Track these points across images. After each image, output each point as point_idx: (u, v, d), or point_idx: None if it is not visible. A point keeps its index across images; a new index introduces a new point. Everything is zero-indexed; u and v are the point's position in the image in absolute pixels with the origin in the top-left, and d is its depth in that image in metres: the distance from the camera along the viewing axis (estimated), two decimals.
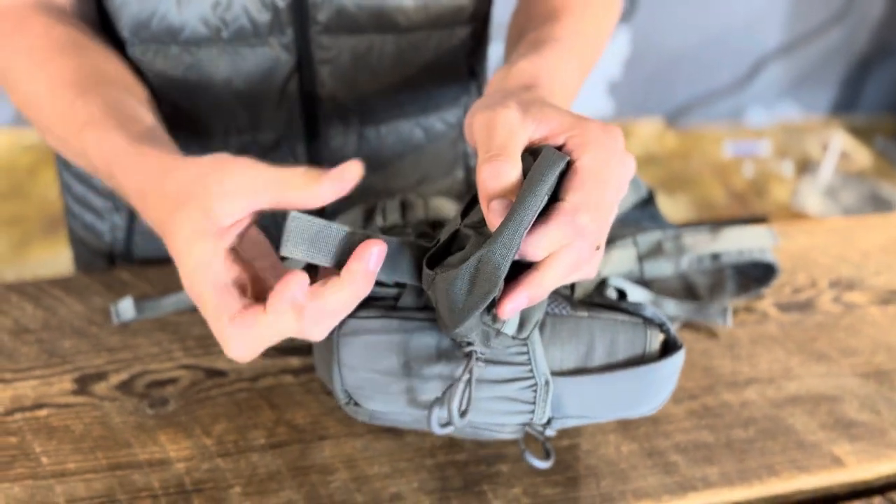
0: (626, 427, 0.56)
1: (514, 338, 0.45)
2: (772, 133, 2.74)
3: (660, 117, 2.69)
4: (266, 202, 0.40)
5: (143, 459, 0.52)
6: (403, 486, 0.51)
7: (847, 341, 0.66)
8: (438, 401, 0.44)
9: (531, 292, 0.41)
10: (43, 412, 0.55)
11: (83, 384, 0.57)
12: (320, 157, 0.70)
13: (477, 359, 0.45)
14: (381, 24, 0.63)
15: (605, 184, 0.41)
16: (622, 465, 0.54)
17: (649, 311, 0.49)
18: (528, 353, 0.46)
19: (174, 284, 0.65)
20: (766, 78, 2.70)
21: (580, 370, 0.48)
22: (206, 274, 0.40)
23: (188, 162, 0.43)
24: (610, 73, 2.54)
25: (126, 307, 0.61)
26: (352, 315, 0.46)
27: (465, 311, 0.40)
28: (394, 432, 0.55)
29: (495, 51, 0.76)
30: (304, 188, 0.40)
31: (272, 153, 0.69)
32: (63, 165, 0.76)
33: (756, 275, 0.68)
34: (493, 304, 0.41)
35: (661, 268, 0.64)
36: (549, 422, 0.49)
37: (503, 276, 0.39)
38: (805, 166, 2.58)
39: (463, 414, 0.44)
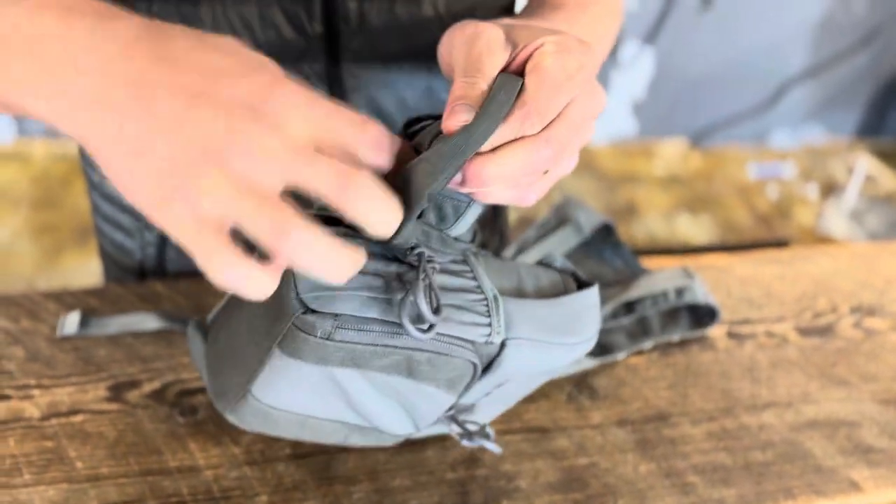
0: (644, 447, 0.57)
1: (455, 239, 0.45)
2: (797, 155, 2.73)
3: (684, 138, 2.69)
4: None
5: (174, 466, 0.54)
6: (425, 499, 0.52)
7: (867, 367, 0.66)
8: (404, 299, 0.42)
9: (474, 170, 0.40)
10: (78, 418, 0.57)
11: (117, 392, 0.59)
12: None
13: (429, 260, 0.44)
14: (411, 52, 0.64)
15: (559, 89, 0.41)
16: (640, 485, 0.55)
17: (559, 263, 0.52)
18: (470, 269, 0.47)
19: (208, 298, 0.67)
20: (791, 100, 2.70)
21: (518, 294, 0.49)
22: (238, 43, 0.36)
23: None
24: (634, 93, 2.55)
25: (72, 321, 0.62)
26: None
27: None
28: (416, 446, 0.56)
29: None
30: None
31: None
32: (92, 186, 0.77)
33: (708, 311, 0.68)
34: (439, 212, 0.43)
35: None
36: (501, 350, 0.47)
37: (441, 178, 0.39)
38: (830, 189, 2.57)
39: (436, 311, 0.42)
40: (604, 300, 0.66)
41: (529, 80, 0.41)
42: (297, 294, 0.42)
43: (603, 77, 2.46)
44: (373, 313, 0.43)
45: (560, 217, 0.68)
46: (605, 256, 0.71)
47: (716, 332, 0.68)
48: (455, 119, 0.40)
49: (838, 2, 2.52)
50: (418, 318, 0.42)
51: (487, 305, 0.46)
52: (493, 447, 0.51)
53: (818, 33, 2.57)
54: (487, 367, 0.47)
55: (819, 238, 2.35)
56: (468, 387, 0.48)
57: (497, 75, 0.42)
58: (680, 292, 0.66)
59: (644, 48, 2.46)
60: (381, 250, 0.45)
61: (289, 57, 0.63)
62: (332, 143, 0.36)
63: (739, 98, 2.66)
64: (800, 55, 2.61)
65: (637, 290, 0.65)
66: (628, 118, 2.60)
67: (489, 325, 0.46)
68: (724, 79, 2.58)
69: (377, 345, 0.43)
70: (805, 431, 0.60)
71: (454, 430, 0.52)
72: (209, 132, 0.33)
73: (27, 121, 2.30)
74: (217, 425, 0.56)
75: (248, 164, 0.33)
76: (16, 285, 1.90)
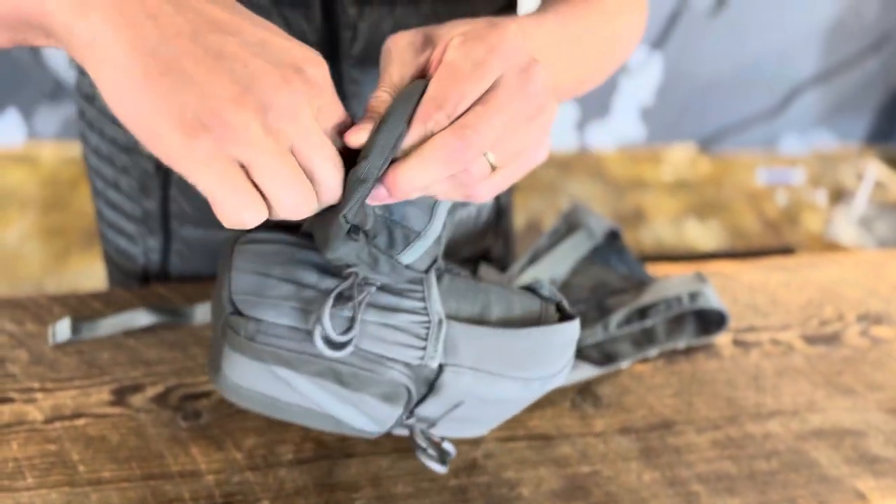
0: (647, 455, 0.57)
1: (407, 267, 0.45)
2: (806, 161, 2.72)
3: (692, 143, 2.68)
4: None
5: (175, 471, 0.54)
6: None
7: (873, 376, 0.66)
8: (317, 316, 0.43)
9: (391, 180, 0.39)
10: (81, 421, 0.57)
11: (120, 395, 0.59)
12: None
13: (366, 283, 0.45)
14: None
15: (463, 79, 0.39)
16: (643, 494, 0.54)
17: (546, 290, 0.51)
18: (422, 290, 0.47)
19: (210, 299, 0.67)
20: (800, 106, 2.69)
21: (477, 321, 0.48)
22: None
23: None
24: (643, 98, 2.55)
25: (63, 328, 0.62)
26: (251, 230, 0.47)
27: (325, 227, 0.41)
28: None
29: None
30: None
31: None
32: (96, 192, 0.78)
33: (715, 318, 0.67)
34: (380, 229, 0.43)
35: (587, 337, 0.64)
36: (438, 375, 0.47)
37: (355, 191, 0.39)
38: (839, 196, 2.56)
39: (347, 330, 0.43)
40: (614, 307, 0.65)
41: (432, 77, 0.41)
42: (230, 294, 0.45)
43: (611, 82, 2.46)
44: (291, 322, 0.45)
45: (570, 223, 0.68)
46: (610, 262, 0.70)
47: (721, 339, 0.68)
48: (353, 135, 0.40)
49: (849, 7, 2.51)
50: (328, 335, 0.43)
51: (428, 328, 0.46)
52: (436, 466, 0.50)
53: (828, 39, 2.56)
54: (431, 389, 0.47)
55: (827, 245, 2.34)
56: (412, 403, 0.48)
57: (407, 84, 0.42)
58: (693, 297, 0.65)
59: (652, 53, 2.46)
60: (326, 265, 0.47)
61: None
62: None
63: (748, 103, 2.65)
64: (809, 61, 2.60)
65: (651, 295, 0.65)
66: (636, 123, 2.60)
67: (424, 348, 0.46)
68: (733, 84, 2.57)
69: (298, 352, 0.45)
70: (810, 440, 0.59)
71: (410, 437, 0.52)
72: (260, 75, 0.35)
73: (37, 123, 2.31)
74: (220, 430, 0.56)
75: (282, 120, 0.36)
76: (24, 287, 1.91)
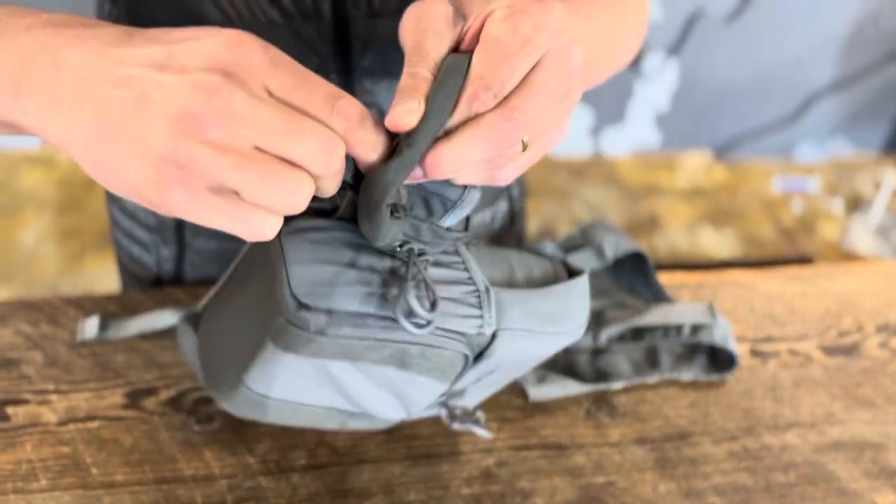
0: (663, 466, 0.56)
1: (448, 229, 0.45)
2: (822, 169, 2.70)
3: (708, 150, 2.67)
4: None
5: (188, 475, 0.53)
6: None
7: (893, 388, 0.65)
8: (396, 297, 0.42)
9: (432, 161, 0.38)
10: (95, 424, 0.57)
11: (134, 398, 0.59)
12: None
13: (421, 255, 0.44)
14: None
15: (511, 57, 0.38)
16: None
17: (550, 250, 0.53)
18: (462, 261, 0.47)
19: None
20: (817, 113, 2.67)
21: (508, 284, 0.50)
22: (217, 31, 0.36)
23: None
24: (658, 104, 2.54)
25: (91, 325, 0.62)
26: (291, 219, 0.44)
27: (371, 217, 0.40)
28: (431, 459, 0.55)
29: None
30: None
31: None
32: (111, 199, 0.78)
33: (726, 356, 0.65)
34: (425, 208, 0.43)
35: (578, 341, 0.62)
36: (491, 341, 0.47)
37: (397, 178, 0.38)
38: (856, 204, 2.54)
39: (432, 306, 0.42)
40: (611, 320, 0.64)
41: (476, 53, 0.39)
42: (291, 290, 0.42)
43: (626, 88, 2.45)
44: (367, 308, 0.43)
45: (585, 238, 0.67)
46: (635, 287, 0.69)
47: (738, 349, 0.67)
48: (396, 117, 0.37)
49: (866, 15, 2.49)
50: (412, 314, 0.42)
51: (479, 297, 0.46)
52: (482, 432, 0.52)
53: (846, 46, 2.54)
54: (478, 356, 0.47)
55: (844, 254, 2.32)
56: (460, 375, 0.48)
57: (444, 58, 0.40)
58: (696, 329, 0.63)
59: (668, 59, 2.45)
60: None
61: None
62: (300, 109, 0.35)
63: (765, 111, 2.63)
64: (827, 68, 2.58)
65: (650, 317, 0.63)
66: (651, 129, 2.59)
67: (481, 316, 0.46)
68: (750, 91, 2.56)
69: (371, 339, 0.43)
70: (829, 453, 0.59)
71: (443, 413, 0.52)
72: (175, 94, 0.33)
73: None
74: (233, 434, 0.56)
75: (220, 129, 0.34)
76: (39, 289, 1.92)
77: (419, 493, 0.53)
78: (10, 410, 0.57)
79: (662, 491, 0.55)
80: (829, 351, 0.68)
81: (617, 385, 0.62)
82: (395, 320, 0.42)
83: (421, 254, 0.44)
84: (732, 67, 2.49)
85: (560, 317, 0.49)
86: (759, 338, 0.69)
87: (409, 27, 0.41)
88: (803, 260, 0.77)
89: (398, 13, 0.59)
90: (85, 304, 0.66)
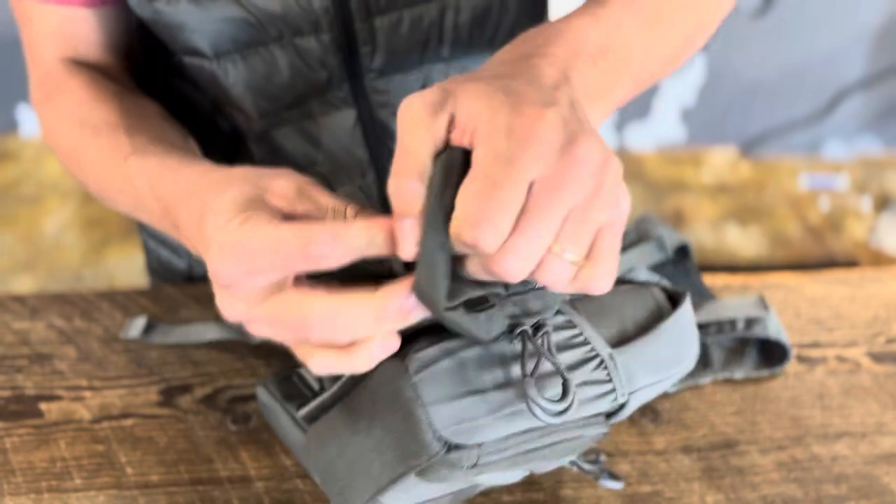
0: (710, 476, 0.55)
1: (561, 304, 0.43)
2: (850, 167, 2.66)
3: (734, 146, 2.63)
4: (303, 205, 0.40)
5: (224, 476, 0.52)
6: None
7: None
8: (529, 382, 0.40)
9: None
10: (129, 422, 0.56)
11: (168, 396, 0.58)
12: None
13: (538, 327, 0.41)
14: (434, 56, 0.63)
15: (496, 184, 0.33)
16: None
17: (642, 275, 0.51)
18: (581, 333, 0.45)
19: None
20: (846, 110, 2.62)
21: (623, 338, 0.47)
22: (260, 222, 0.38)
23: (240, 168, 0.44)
24: (684, 99, 2.50)
25: (137, 326, 0.61)
26: (403, 354, 0.41)
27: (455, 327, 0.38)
28: None
29: None
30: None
31: (350, 201, 0.69)
32: None
33: (777, 350, 0.63)
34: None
35: None
36: (622, 406, 0.45)
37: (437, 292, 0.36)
38: (884, 203, 2.50)
39: (565, 396, 0.40)
40: None
41: (462, 188, 0.34)
42: (436, 432, 0.40)
43: None
44: (513, 429, 0.41)
45: (640, 233, 0.65)
46: (676, 280, 0.67)
47: None
48: (401, 249, 0.36)
49: None
50: (549, 411, 0.40)
51: (606, 369, 0.44)
52: (614, 484, 0.51)
53: (876, 42, 2.50)
54: (609, 418, 0.46)
55: (872, 252, 2.28)
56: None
57: (435, 163, 0.36)
58: (750, 323, 0.61)
59: (696, 54, 2.42)
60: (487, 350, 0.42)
61: (314, 90, 0.62)
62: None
63: (792, 107, 2.59)
64: (856, 64, 2.54)
65: (703, 315, 0.61)
66: (677, 125, 2.55)
67: (613, 390, 0.44)
68: (778, 87, 2.52)
69: (520, 454, 0.42)
70: (881, 465, 0.57)
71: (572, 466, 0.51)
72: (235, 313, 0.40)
73: None
74: (269, 434, 0.55)
75: (239, 304, 0.39)
76: (63, 278, 1.93)
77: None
78: (43, 406, 0.56)
79: (710, 502, 0.53)
80: (879, 358, 0.66)
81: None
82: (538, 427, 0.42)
83: (537, 328, 0.41)
84: (760, 63, 2.46)
85: (678, 355, 0.48)
86: (806, 343, 0.67)
87: (398, 122, 0.37)
88: (850, 264, 0.75)
89: (398, 7, 0.58)
90: (118, 299, 0.65)
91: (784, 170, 2.61)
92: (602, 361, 0.44)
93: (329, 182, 0.67)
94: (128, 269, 1.94)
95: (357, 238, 0.36)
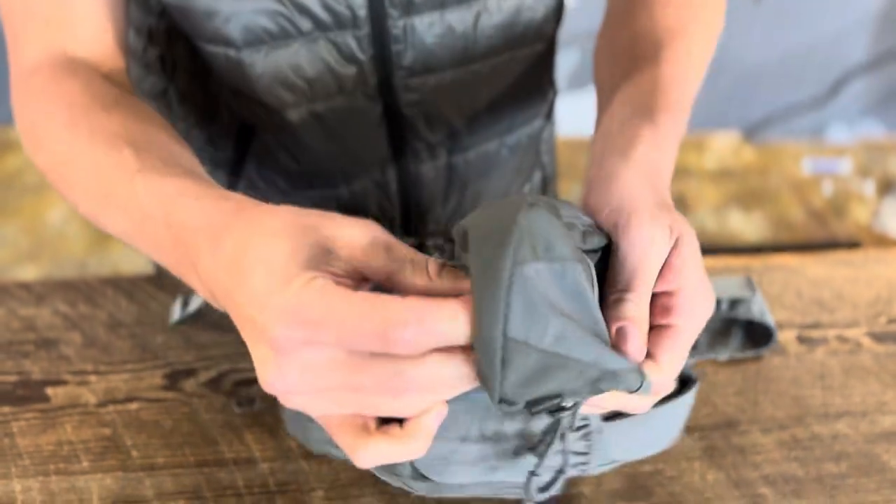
0: (711, 455, 0.55)
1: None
2: (853, 151, 2.65)
3: (737, 131, 2.63)
4: (377, 262, 0.36)
5: (230, 458, 0.53)
6: (483, 500, 0.51)
7: None
8: (534, 455, 0.41)
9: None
10: (134, 405, 0.56)
11: (173, 380, 0.58)
12: (412, 193, 0.70)
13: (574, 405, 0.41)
14: (465, 57, 0.63)
15: (687, 347, 0.40)
16: (707, 494, 0.52)
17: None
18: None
19: None
20: (849, 94, 2.62)
21: (614, 414, 0.45)
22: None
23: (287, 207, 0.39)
24: None
25: (177, 308, 0.61)
26: None
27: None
28: None
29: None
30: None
31: (366, 196, 0.69)
32: None
33: (762, 331, 0.63)
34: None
35: None
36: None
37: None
38: (887, 186, 2.49)
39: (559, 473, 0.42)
40: None
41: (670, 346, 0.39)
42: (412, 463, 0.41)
43: None
44: (483, 479, 0.42)
45: None
46: None
47: (786, 336, 0.65)
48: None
49: None
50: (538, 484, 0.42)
51: (590, 440, 0.44)
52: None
53: (879, 25, 2.49)
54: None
55: (875, 236, 2.28)
56: None
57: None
58: (734, 304, 0.61)
59: None
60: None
61: (342, 88, 0.61)
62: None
63: (795, 91, 2.58)
64: (859, 48, 2.52)
65: None
66: None
67: (586, 463, 0.45)
68: (780, 71, 2.51)
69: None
70: (881, 443, 0.57)
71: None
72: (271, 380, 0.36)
73: None
74: (273, 417, 0.55)
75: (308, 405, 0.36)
76: (68, 267, 1.94)
77: None
78: (49, 391, 0.57)
79: (711, 480, 0.53)
80: (880, 338, 0.66)
81: None
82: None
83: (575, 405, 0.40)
84: (763, 47, 2.45)
85: (659, 440, 0.48)
86: (807, 324, 0.67)
87: (629, 248, 0.41)
88: (852, 245, 0.75)
89: (434, 6, 0.57)
90: (122, 285, 0.66)
91: (787, 154, 2.60)
92: (590, 433, 0.44)
93: (346, 175, 0.67)
94: (132, 257, 1.94)
95: (449, 326, 0.33)
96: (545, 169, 0.81)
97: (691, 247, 0.41)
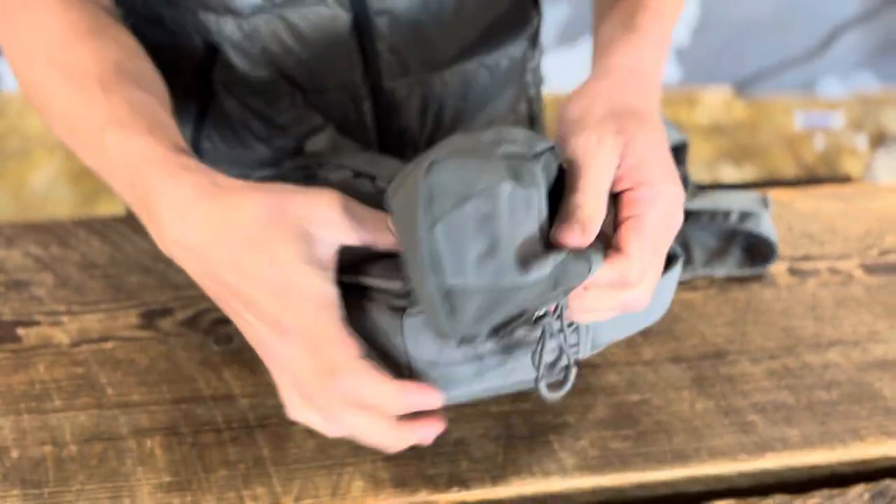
0: (700, 385, 0.54)
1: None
2: (846, 104, 2.63)
3: (728, 86, 2.60)
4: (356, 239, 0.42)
5: (208, 394, 0.52)
6: (468, 432, 0.50)
7: None
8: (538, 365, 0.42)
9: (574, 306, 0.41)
10: (108, 345, 0.55)
11: (149, 319, 0.57)
12: (386, 112, 0.67)
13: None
14: (454, 47, 0.62)
15: (663, 240, 0.42)
16: (696, 423, 0.52)
17: None
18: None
19: None
20: (842, 47, 2.59)
21: None
22: (331, 311, 0.41)
23: (250, 189, 0.43)
24: (678, 39, 2.46)
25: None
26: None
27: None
28: None
29: None
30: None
31: (337, 113, 0.67)
32: None
33: (762, 251, 0.62)
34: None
35: None
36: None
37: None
38: (880, 140, 2.48)
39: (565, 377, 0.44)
40: None
41: (638, 246, 0.40)
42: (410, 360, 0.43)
43: None
44: (479, 386, 0.45)
45: None
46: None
47: (776, 268, 0.64)
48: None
49: None
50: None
51: (577, 331, 0.44)
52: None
53: None
54: None
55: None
56: None
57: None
58: (744, 216, 0.60)
59: None
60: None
61: (338, 83, 0.62)
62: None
63: (787, 44, 2.55)
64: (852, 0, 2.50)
65: (699, 202, 0.59)
66: (671, 65, 2.52)
67: (577, 353, 0.45)
68: (772, 24, 2.48)
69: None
70: (873, 371, 0.56)
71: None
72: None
73: None
74: (252, 353, 0.53)
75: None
76: None
77: (448, 410, 0.50)
78: (20, 332, 0.55)
79: (700, 409, 0.52)
80: (871, 269, 0.65)
81: None
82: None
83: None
84: (754, 0, 2.41)
85: (647, 315, 0.48)
86: (798, 256, 0.66)
87: (580, 156, 0.42)
88: (843, 179, 0.73)
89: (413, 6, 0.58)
90: (95, 226, 0.64)
91: (779, 108, 2.58)
92: (578, 326, 0.44)
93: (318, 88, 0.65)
94: None
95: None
96: (532, 104, 0.78)
97: (646, 147, 0.42)
